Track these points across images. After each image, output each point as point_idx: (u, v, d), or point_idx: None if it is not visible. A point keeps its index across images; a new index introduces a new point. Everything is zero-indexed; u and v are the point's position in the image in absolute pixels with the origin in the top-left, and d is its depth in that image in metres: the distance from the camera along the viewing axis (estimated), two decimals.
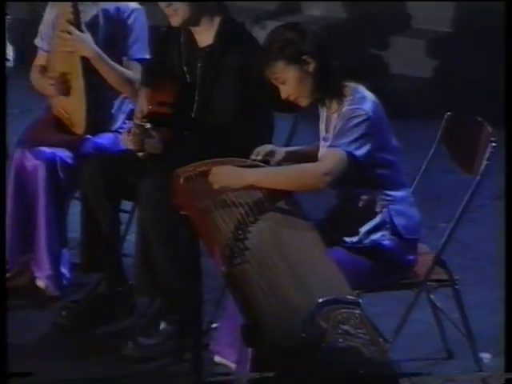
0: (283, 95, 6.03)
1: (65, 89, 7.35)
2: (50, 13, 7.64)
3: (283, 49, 5.91)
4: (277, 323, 4.98)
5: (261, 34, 6.84)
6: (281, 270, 5.28)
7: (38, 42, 7.68)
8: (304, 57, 5.89)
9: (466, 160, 6.22)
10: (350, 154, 5.76)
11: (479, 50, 12.20)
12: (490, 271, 7.19)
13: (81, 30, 7.16)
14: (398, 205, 5.98)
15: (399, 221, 5.92)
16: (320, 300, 4.96)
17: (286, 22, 6.47)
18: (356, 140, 5.78)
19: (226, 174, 5.89)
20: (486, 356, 6.39)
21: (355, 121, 5.82)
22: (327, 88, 5.98)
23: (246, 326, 5.06)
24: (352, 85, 6.02)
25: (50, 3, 7.66)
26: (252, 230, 5.49)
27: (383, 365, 4.84)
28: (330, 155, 5.86)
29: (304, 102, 6.03)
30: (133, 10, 7.41)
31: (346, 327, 4.88)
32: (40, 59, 7.61)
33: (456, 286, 6.18)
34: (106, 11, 7.37)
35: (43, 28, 7.67)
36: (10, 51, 7.95)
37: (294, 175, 5.97)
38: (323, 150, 6.06)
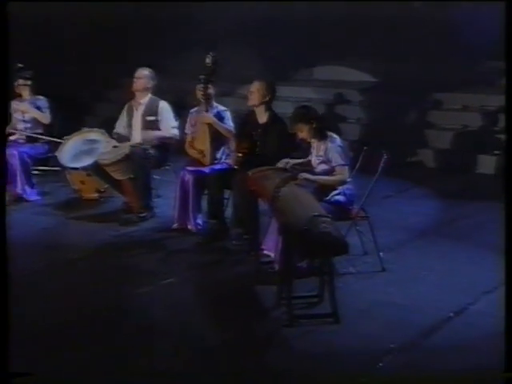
0: (300, 137, 5.99)
1: (201, 153, 7.05)
2: (189, 118, 7.35)
3: (301, 118, 5.91)
4: (293, 225, 4.90)
5: None
6: (295, 204, 5.27)
7: (187, 130, 7.31)
8: (311, 121, 5.82)
9: (373, 166, 6.01)
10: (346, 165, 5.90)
11: None
12: (381, 220, 6.61)
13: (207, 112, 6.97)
14: (347, 185, 5.90)
15: (346, 191, 5.90)
16: (313, 214, 4.92)
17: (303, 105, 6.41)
18: (344, 157, 5.87)
19: None
20: (381, 253, 6.01)
21: (339, 149, 5.84)
22: (320, 135, 5.89)
23: (281, 227, 5.03)
24: (330, 133, 5.96)
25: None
26: (282, 189, 5.40)
27: (342, 238, 4.76)
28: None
29: (309, 140, 5.97)
30: (225, 110, 7.12)
31: (324, 224, 4.84)
32: (189, 138, 7.22)
33: (369, 221, 6.03)
34: (218, 111, 7.10)
35: (188, 124, 7.31)
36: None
37: (328, 181, 5.91)
38: (317, 161, 5.99)
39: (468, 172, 8.86)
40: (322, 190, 5.80)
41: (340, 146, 5.87)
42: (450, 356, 4.55)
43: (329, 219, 4.93)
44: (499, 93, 9.06)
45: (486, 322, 4.92)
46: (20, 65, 8.12)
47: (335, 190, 5.83)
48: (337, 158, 5.83)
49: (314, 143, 5.98)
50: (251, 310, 5.40)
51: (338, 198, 5.80)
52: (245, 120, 6.81)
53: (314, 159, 6.03)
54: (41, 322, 5.09)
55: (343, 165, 5.84)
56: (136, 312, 5.38)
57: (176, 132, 7.53)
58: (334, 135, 5.98)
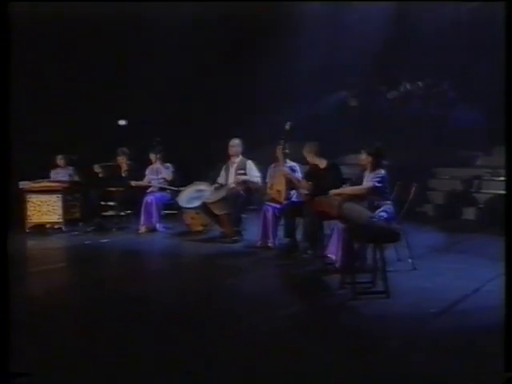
0: (360, 162, 5.72)
1: (278, 192, 6.79)
2: (269, 171, 7.11)
3: (367, 149, 5.58)
4: (357, 224, 4.72)
5: None
6: (355, 212, 5.04)
7: (267, 179, 7.11)
8: (372, 155, 5.56)
9: (406, 195, 5.77)
10: (375, 185, 5.48)
11: None
12: (413, 234, 6.21)
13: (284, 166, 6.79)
14: (388, 205, 5.53)
15: (388, 210, 5.48)
16: (370, 216, 4.73)
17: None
18: (378, 181, 5.49)
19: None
20: (409, 260, 5.69)
21: (379, 176, 5.51)
22: (373, 167, 5.57)
23: (347, 227, 4.79)
24: (380, 168, 5.61)
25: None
26: (344, 204, 5.14)
27: (394, 229, 4.50)
28: (368, 184, 5.55)
29: (366, 166, 5.65)
30: (295, 165, 6.86)
31: (378, 223, 4.67)
32: (269, 184, 6.98)
33: (403, 231, 5.59)
34: (290, 166, 6.80)
35: (268, 175, 7.12)
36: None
37: (356, 189, 5.62)
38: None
39: (456, 218, 8.92)
40: (371, 209, 5.45)
41: (381, 176, 5.57)
42: (471, 317, 4.41)
43: (381, 219, 4.71)
44: (471, 167, 9.54)
45: (494, 297, 4.70)
46: (158, 139, 8.15)
47: (380, 208, 5.52)
48: (373, 181, 5.54)
49: (367, 171, 5.68)
50: (321, 291, 5.18)
51: (382, 214, 5.46)
52: (311, 167, 6.57)
53: (365, 182, 5.74)
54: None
55: (371, 184, 5.52)
56: (235, 292, 5.20)
57: (259, 179, 7.37)
58: (382, 170, 5.66)
